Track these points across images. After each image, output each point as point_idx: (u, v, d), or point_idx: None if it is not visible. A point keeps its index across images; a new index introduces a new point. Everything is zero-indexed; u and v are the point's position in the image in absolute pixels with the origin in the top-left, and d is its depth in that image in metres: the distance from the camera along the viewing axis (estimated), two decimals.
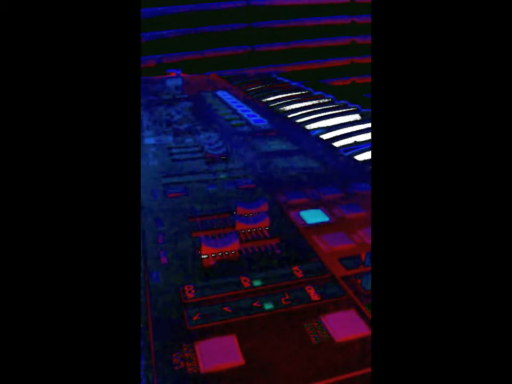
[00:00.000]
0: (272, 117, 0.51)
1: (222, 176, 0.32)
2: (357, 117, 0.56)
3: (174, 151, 0.38)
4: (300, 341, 0.16)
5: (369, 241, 0.22)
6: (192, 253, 0.21)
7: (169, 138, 0.42)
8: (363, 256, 0.21)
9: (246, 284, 0.19)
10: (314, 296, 0.18)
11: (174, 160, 0.35)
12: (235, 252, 0.21)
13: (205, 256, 0.21)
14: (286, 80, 0.81)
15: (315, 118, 0.55)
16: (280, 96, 0.68)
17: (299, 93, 0.70)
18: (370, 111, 0.56)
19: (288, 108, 0.62)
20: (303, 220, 0.25)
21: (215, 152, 0.36)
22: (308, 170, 0.33)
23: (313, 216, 0.25)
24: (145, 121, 0.49)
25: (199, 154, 0.37)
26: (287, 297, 0.18)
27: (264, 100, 0.65)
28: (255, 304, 0.18)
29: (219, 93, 0.68)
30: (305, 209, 0.26)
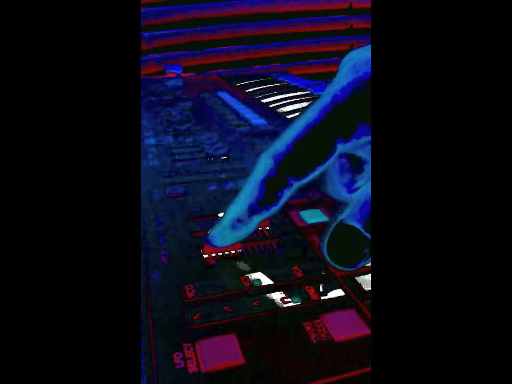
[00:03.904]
0: (272, 117, 0.51)
1: (222, 176, 0.32)
2: None
3: (174, 151, 0.38)
4: (300, 340, 0.16)
5: None
6: (193, 253, 0.21)
7: (170, 139, 0.42)
8: None
9: (246, 284, 0.19)
10: (314, 296, 0.18)
11: (175, 160, 0.35)
12: (236, 252, 0.21)
13: (206, 256, 0.21)
14: (286, 81, 0.81)
15: None
16: (280, 96, 0.68)
17: (299, 93, 0.70)
18: None
19: (288, 108, 0.62)
20: (303, 220, 0.25)
21: (215, 153, 0.36)
22: None
23: (313, 216, 0.25)
24: (145, 121, 0.49)
25: (200, 155, 0.37)
26: (287, 296, 0.18)
27: (264, 100, 0.65)
28: (255, 303, 0.18)
29: (219, 93, 0.68)
30: (305, 209, 0.26)
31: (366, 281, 0.19)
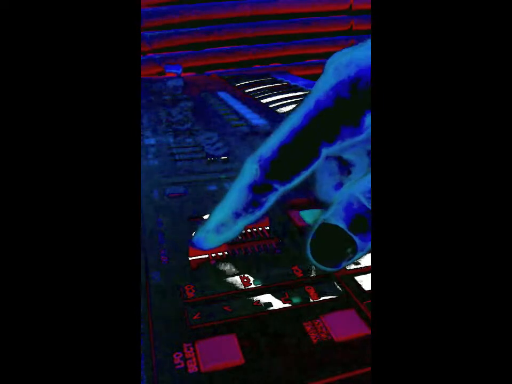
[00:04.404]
0: (272, 117, 0.51)
1: (222, 176, 0.32)
2: None
3: (174, 151, 0.38)
4: (300, 340, 0.16)
5: None
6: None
7: (170, 139, 0.42)
8: None
9: (246, 283, 0.19)
10: (314, 296, 0.18)
11: (174, 160, 0.35)
12: (222, 253, 0.21)
13: (191, 258, 0.21)
14: (286, 80, 0.81)
15: None
16: (280, 96, 0.68)
17: (299, 93, 0.70)
18: None
19: (288, 108, 0.62)
20: (303, 220, 0.25)
21: (215, 153, 0.36)
22: None
23: (313, 216, 0.25)
24: (145, 121, 0.49)
25: (200, 155, 0.37)
26: (287, 296, 0.18)
27: (264, 100, 0.65)
28: (255, 303, 0.18)
29: (219, 93, 0.68)
30: (305, 209, 0.26)
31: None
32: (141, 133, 0.44)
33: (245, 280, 0.19)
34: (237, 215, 0.19)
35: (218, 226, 0.19)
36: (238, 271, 0.20)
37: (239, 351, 0.15)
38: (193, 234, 0.20)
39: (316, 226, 0.18)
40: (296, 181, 0.19)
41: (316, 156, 0.18)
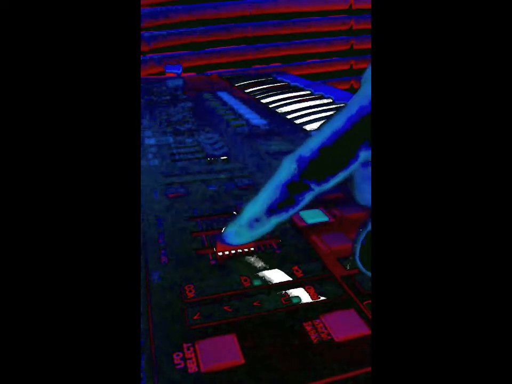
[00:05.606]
0: (272, 117, 0.51)
1: (222, 176, 0.32)
2: None
3: (174, 151, 0.38)
4: (300, 340, 0.16)
5: None
6: (192, 252, 0.21)
7: (169, 139, 0.42)
8: None
9: (246, 283, 0.19)
10: (314, 296, 0.18)
11: (174, 160, 0.35)
12: (248, 250, 0.21)
13: (220, 254, 0.21)
14: (286, 80, 0.81)
15: (315, 118, 0.55)
16: (280, 96, 0.68)
17: (299, 93, 0.70)
18: None
19: (288, 108, 0.62)
20: (303, 220, 0.25)
21: (215, 153, 0.36)
22: None
23: (313, 216, 0.25)
24: (145, 121, 0.49)
25: (200, 155, 0.37)
26: (287, 296, 0.18)
27: (264, 100, 0.65)
28: (255, 303, 0.18)
29: (219, 93, 0.68)
30: (305, 209, 0.26)
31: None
32: (141, 133, 0.44)
33: (245, 280, 0.19)
34: (271, 212, 0.19)
35: (252, 221, 0.20)
36: (238, 271, 0.20)
37: (239, 351, 0.15)
38: (223, 230, 0.21)
39: (365, 233, 0.18)
40: (333, 182, 0.19)
41: (354, 157, 0.19)
